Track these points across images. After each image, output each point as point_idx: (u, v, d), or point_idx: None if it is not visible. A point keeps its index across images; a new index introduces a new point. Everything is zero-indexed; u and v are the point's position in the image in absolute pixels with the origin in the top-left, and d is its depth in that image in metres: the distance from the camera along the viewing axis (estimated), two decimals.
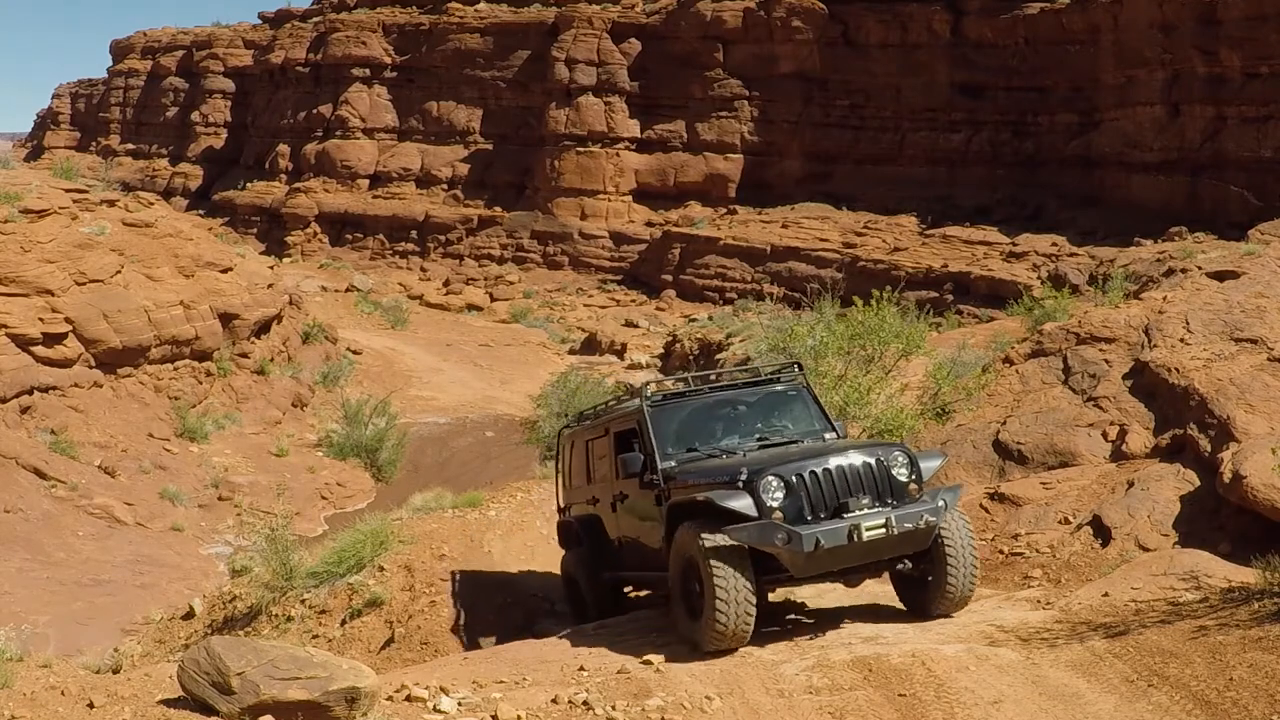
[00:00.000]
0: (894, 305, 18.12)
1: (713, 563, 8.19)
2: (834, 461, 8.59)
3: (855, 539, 8.19)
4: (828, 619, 9.48)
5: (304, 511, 24.49)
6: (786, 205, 60.87)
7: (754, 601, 8.25)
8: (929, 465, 9.07)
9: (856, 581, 9.19)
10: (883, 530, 8.27)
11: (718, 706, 7.45)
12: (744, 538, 8.23)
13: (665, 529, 9.13)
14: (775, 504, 8.35)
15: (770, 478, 8.41)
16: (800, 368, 10.92)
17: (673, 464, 9.46)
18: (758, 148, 63.26)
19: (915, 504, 8.58)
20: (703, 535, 8.32)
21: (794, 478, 8.46)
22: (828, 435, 10.03)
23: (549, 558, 13.73)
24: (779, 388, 10.54)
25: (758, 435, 9.93)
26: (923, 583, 8.93)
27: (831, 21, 61.23)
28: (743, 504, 8.34)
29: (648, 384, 10.39)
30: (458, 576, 12.29)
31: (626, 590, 11.24)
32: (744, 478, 8.47)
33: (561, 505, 11.93)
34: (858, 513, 8.37)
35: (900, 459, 8.80)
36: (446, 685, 8.08)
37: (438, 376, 43.02)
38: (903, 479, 8.73)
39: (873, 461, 8.65)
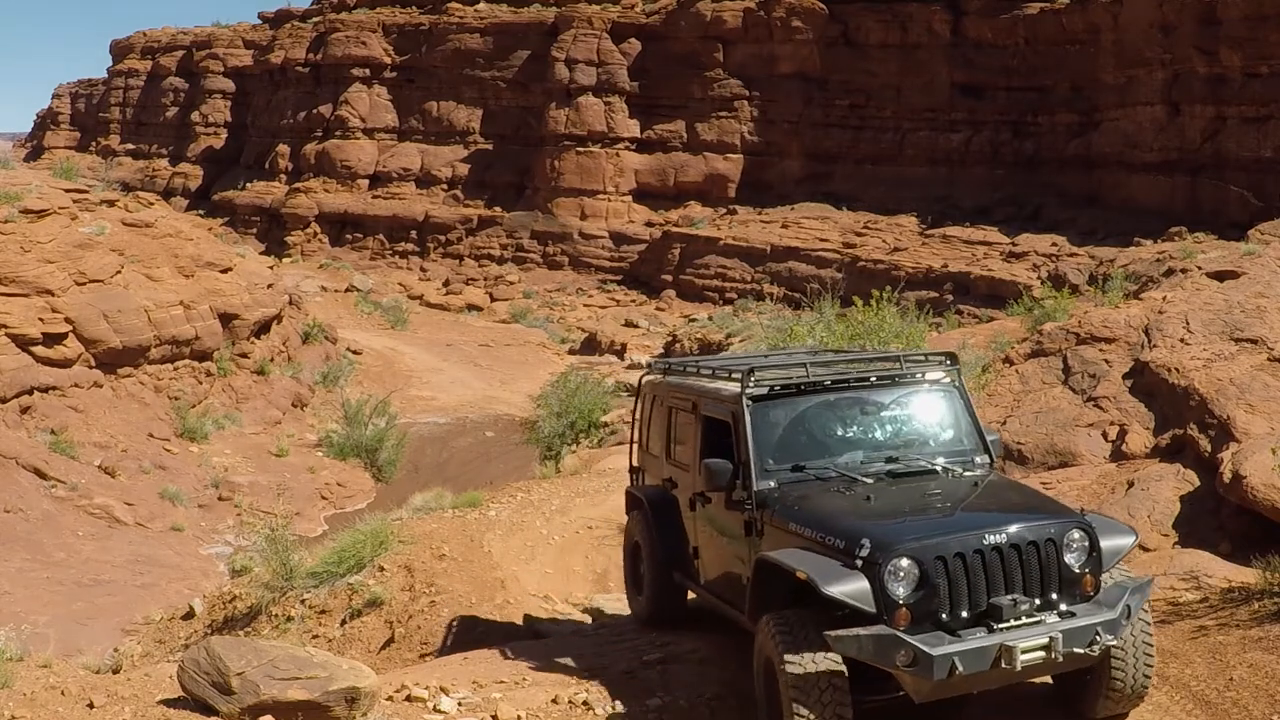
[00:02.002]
0: (894, 305, 18.11)
1: (796, 705, 6.15)
2: (989, 537, 6.29)
3: (1003, 664, 6.04)
4: None
5: (304, 511, 24.47)
6: (786, 205, 60.88)
7: None
8: (1114, 546, 6.65)
9: None
10: (1041, 655, 6.10)
11: (719, 706, 7.46)
12: (853, 650, 6.09)
13: (752, 582, 7.10)
14: (901, 598, 6.15)
15: (902, 560, 6.17)
16: (954, 360, 8.20)
17: (771, 484, 7.29)
18: (758, 148, 63.27)
19: (1089, 611, 6.33)
20: (787, 660, 6.21)
21: (934, 560, 6.20)
22: (978, 459, 7.68)
23: (549, 558, 13.74)
24: (923, 386, 7.98)
25: (888, 454, 7.58)
26: (1082, 679, 6.78)
27: (831, 21, 61.26)
28: (856, 593, 6.14)
29: (752, 369, 7.79)
30: (457, 577, 12.28)
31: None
32: (864, 553, 6.23)
33: (634, 465, 9.88)
34: (1011, 622, 6.15)
35: (1078, 540, 6.49)
36: (446, 685, 8.08)
37: (438, 376, 43.01)
38: (1075, 568, 6.45)
39: (1040, 542, 6.37)
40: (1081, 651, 6.19)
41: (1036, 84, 56.61)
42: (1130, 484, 12.12)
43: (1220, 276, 18.78)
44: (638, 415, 9.74)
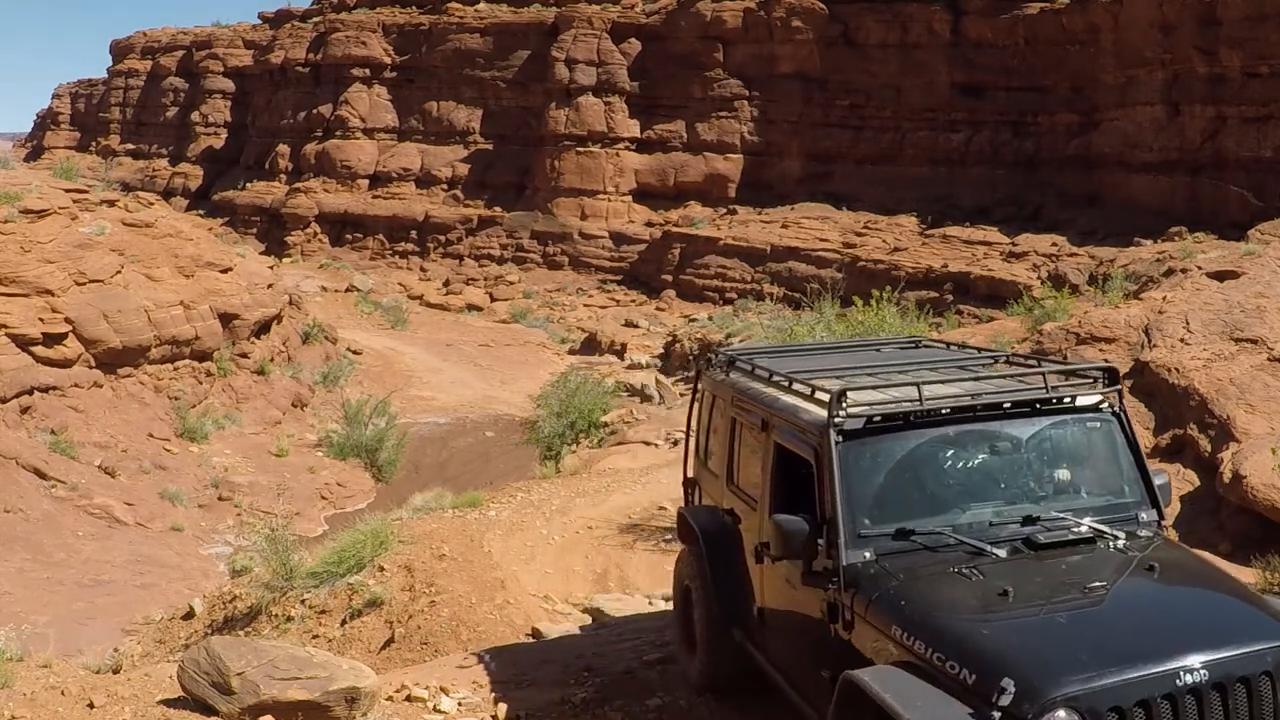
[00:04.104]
0: (894, 305, 18.13)
1: None
2: (1184, 676, 4.42)
3: None
4: None
5: (304, 511, 24.48)
6: (786, 205, 60.86)
7: None
8: None
9: None
10: None
11: (717, 706, 7.45)
12: None
13: (836, 697, 5.03)
14: None
15: (1060, 712, 4.34)
16: (1114, 378, 6.20)
17: (867, 555, 5.38)
18: (758, 148, 63.26)
19: None
20: None
21: (1107, 712, 4.36)
22: (1143, 516, 5.82)
23: (549, 558, 13.74)
24: (1072, 415, 5.99)
25: (1025, 510, 5.65)
26: None
27: (831, 21, 61.25)
28: None
29: (844, 390, 5.74)
30: (458, 577, 12.28)
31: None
32: (1006, 700, 4.39)
33: (689, 475, 8.00)
34: None
35: None
36: (446, 685, 8.08)
37: (438, 376, 43.01)
38: None
39: (1252, 677, 4.51)
40: None
41: (1036, 84, 56.57)
42: None
43: (1220, 276, 18.77)
44: (695, 416, 7.80)
